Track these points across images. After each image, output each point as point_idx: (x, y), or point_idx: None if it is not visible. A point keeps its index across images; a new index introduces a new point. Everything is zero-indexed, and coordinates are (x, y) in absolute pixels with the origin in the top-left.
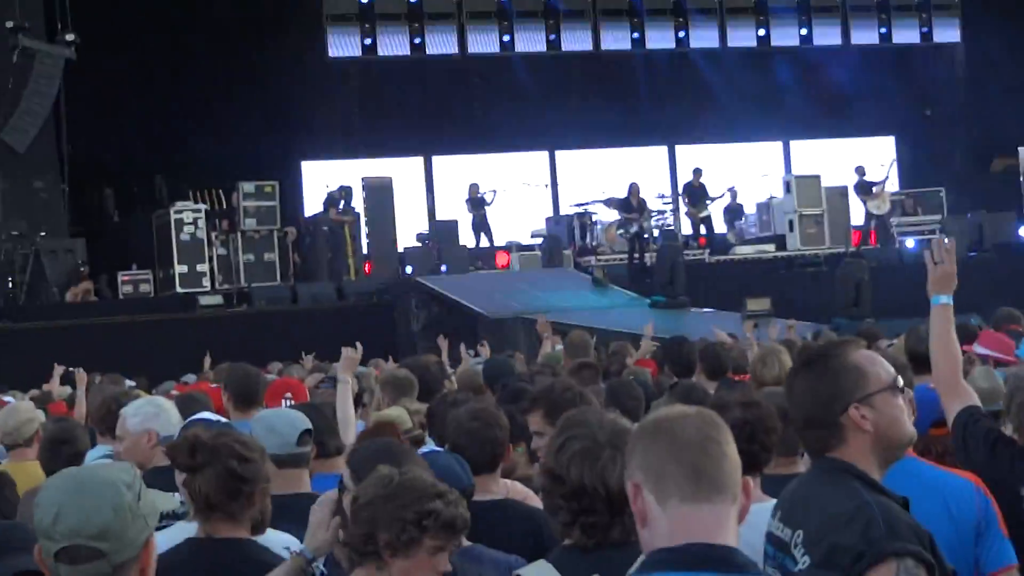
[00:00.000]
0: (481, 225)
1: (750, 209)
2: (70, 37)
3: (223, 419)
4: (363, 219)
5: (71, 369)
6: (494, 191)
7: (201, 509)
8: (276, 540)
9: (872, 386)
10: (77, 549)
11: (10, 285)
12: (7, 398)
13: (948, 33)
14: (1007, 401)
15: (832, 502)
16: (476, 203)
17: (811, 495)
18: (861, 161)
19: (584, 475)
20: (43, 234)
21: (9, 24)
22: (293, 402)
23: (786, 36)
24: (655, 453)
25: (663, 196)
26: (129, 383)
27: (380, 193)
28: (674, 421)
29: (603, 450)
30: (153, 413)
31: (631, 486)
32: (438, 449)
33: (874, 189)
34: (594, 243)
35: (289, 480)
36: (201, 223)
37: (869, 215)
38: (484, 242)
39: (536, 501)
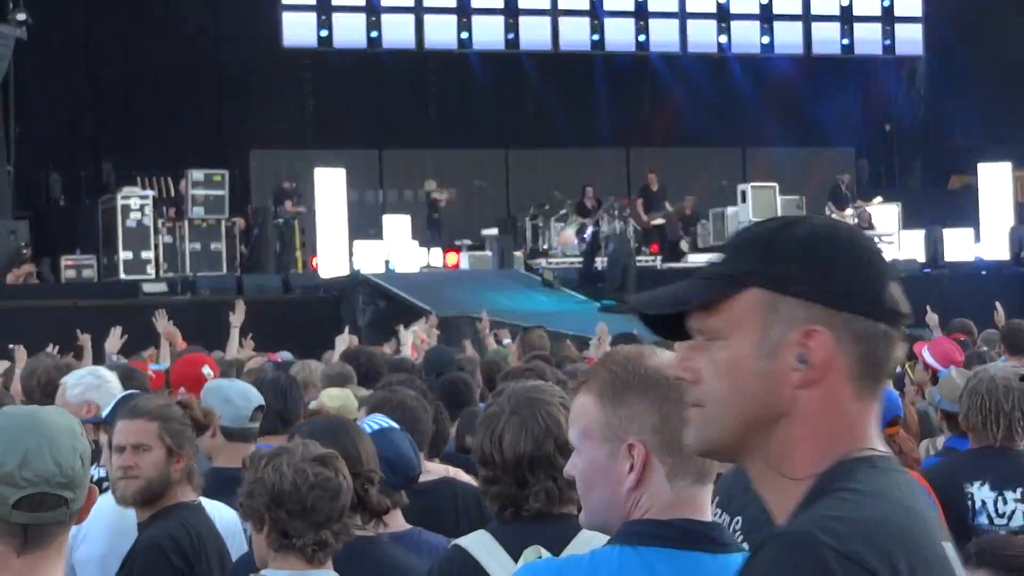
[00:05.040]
0: (433, 223)
1: (705, 217)
2: (21, 17)
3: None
4: (316, 213)
5: (11, 346)
6: (448, 189)
7: None
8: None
9: None
10: (43, 496)
11: None
12: None
13: (911, 46)
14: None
15: None
16: (429, 200)
17: (749, 480)
18: (824, 171)
19: (483, 441)
20: None
21: None
22: (213, 375)
23: (747, 44)
24: (673, 420)
25: (615, 199)
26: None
27: (333, 187)
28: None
29: (502, 415)
30: (94, 384)
31: (632, 443)
32: (394, 425)
33: (848, 210)
34: (545, 246)
35: (237, 453)
36: (148, 210)
37: None
38: (435, 240)
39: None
